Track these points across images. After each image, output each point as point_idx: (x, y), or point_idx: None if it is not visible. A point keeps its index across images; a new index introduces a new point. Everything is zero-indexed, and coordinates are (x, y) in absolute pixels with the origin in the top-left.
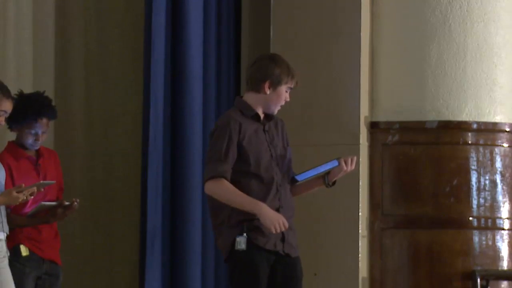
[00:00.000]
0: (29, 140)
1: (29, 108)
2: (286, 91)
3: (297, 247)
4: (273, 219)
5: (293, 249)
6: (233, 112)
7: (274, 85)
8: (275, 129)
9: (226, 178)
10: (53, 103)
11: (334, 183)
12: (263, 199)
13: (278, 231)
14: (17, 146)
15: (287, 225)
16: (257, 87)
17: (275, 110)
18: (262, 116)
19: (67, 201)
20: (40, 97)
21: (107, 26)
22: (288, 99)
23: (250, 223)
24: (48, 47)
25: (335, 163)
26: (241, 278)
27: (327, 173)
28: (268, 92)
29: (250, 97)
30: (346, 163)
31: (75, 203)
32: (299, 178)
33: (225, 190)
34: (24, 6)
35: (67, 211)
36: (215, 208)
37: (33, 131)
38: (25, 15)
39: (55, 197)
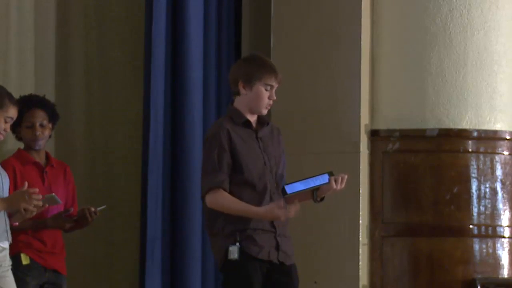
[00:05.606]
0: (28, 136)
1: (20, 103)
2: (266, 90)
3: (293, 254)
4: (273, 215)
5: (288, 257)
6: (224, 120)
7: (248, 84)
8: (270, 136)
9: (224, 188)
10: (50, 102)
11: (322, 199)
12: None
13: (284, 218)
14: (25, 152)
15: (282, 207)
16: (236, 90)
17: (261, 110)
18: (254, 122)
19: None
20: (32, 95)
21: (107, 34)
22: (273, 97)
23: (243, 232)
24: (49, 55)
25: (325, 179)
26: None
27: (317, 188)
28: (245, 92)
29: (237, 102)
30: (336, 181)
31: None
32: (288, 190)
33: (224, 201)
34: (26, 15)
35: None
36: (210, 219)
37: (28, 124)
38: (27, 24)
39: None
